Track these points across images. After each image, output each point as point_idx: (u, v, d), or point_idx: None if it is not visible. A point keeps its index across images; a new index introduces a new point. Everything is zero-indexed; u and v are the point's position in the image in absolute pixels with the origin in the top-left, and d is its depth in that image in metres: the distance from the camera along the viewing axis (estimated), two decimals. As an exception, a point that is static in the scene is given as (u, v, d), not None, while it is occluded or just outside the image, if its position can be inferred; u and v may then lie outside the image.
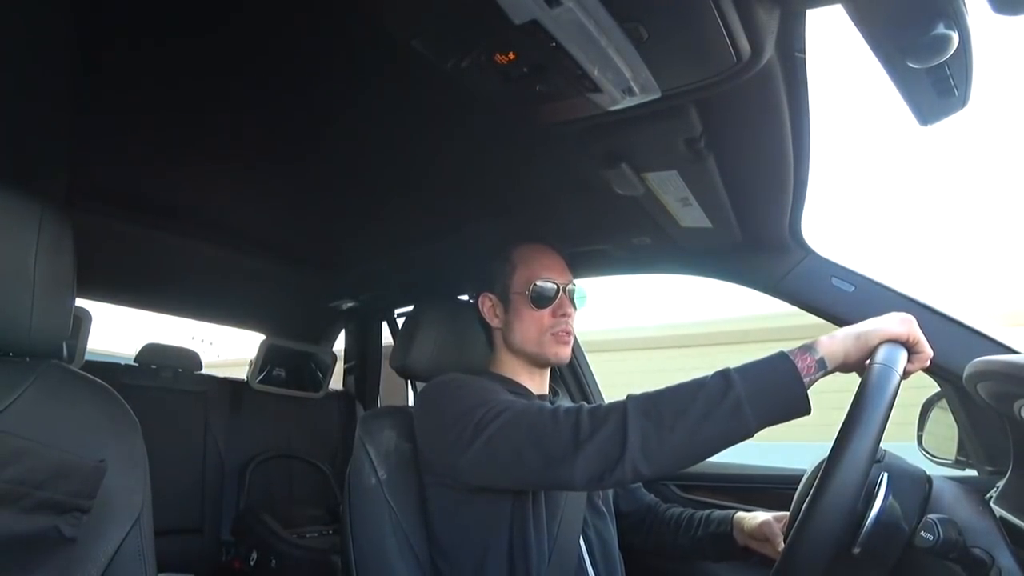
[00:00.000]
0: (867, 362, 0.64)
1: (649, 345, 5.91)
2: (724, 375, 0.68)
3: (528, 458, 0.73)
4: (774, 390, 0.66)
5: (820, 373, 0.67)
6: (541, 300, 0.96)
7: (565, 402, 1.08)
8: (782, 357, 0.68)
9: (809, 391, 0.66)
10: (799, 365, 0.66)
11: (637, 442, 0.67)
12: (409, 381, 2.03)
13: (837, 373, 0.69)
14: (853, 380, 0.69)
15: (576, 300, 1.00)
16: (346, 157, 1.01)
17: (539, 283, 0.96)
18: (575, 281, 1.02)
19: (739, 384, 0.66)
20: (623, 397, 0.73)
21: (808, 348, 0.68)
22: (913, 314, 0.68)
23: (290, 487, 2.01)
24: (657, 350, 5.84)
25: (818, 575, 0.56)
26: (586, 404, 0.75)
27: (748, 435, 0.66)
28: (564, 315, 0.97)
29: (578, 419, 0.72)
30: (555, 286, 0.97)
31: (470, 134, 0.90)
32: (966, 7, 0.48)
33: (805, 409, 0.66)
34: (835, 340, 0.67)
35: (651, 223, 1.04)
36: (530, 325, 0.97)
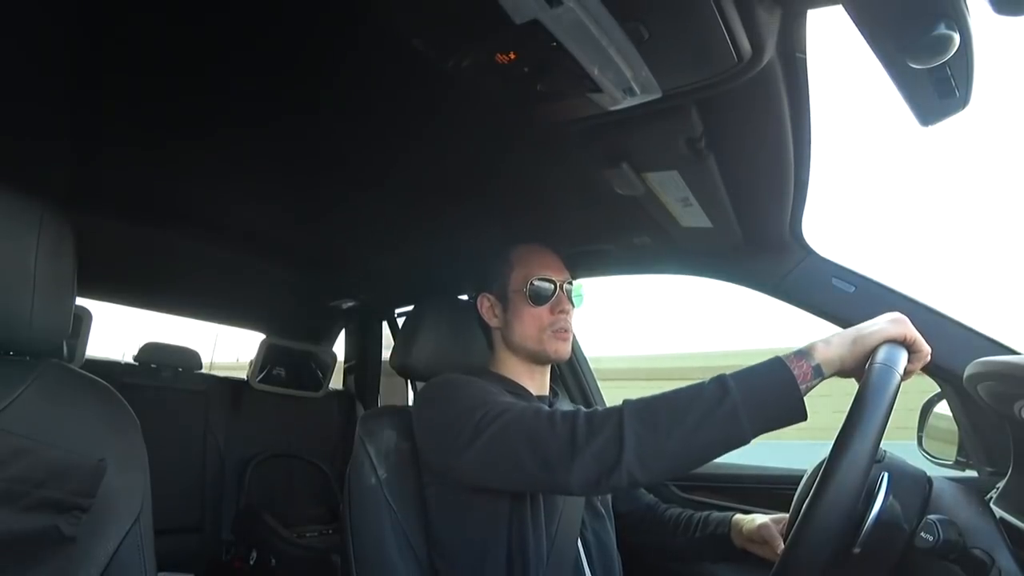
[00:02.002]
0: (867, 364, 0.64)
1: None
2: (720, 382, 0.68)
3: (525, 462, 0.73)
4: (771, 397, 0.66)
5: (817, 380, 0.66)
6: (539, 297, 0.97)
7: (564, 403, 1.08)
8: (779, 364, 0.67)
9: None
10: (796, 371, 0.66)
11: (633, 448, 0.67)
12: (409, 381, 2.03)
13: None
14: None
15: (574, 298, 1.01)
16: (346, 158, 1.01)
17: (536, 280, 0.97)
18: (575, 281, 1.02)
19: (735, 391, 0.66)
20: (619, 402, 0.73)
21: (805, 355, 0.67)
22: (914, 314, 0.68)
23: (290, 486, 2.01)
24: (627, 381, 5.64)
25: (818, 574, 0.56)
26: (583, 409, 0.75)
27: (744, 442, 0.66)
28: (562, 312, 0.97)
29: (575, 424, 0.72)
30: (553, 283, 0.98)
31: (470, 134, 0.90)
32: (967, 7, 0.48)
33: (801, 415, 0.65)
34: (831, 346, 0.67)
35: (651, 223, 1.04)
36: (529, 323, 0.97)
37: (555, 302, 0.97)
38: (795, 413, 0.65)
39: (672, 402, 0.69)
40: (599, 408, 0.74)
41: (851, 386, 0.64)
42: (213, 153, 1.04)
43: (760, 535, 0.91)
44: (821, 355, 0.67)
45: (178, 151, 1.03)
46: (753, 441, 0.66)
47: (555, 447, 0.71)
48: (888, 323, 0.66)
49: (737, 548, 0.96)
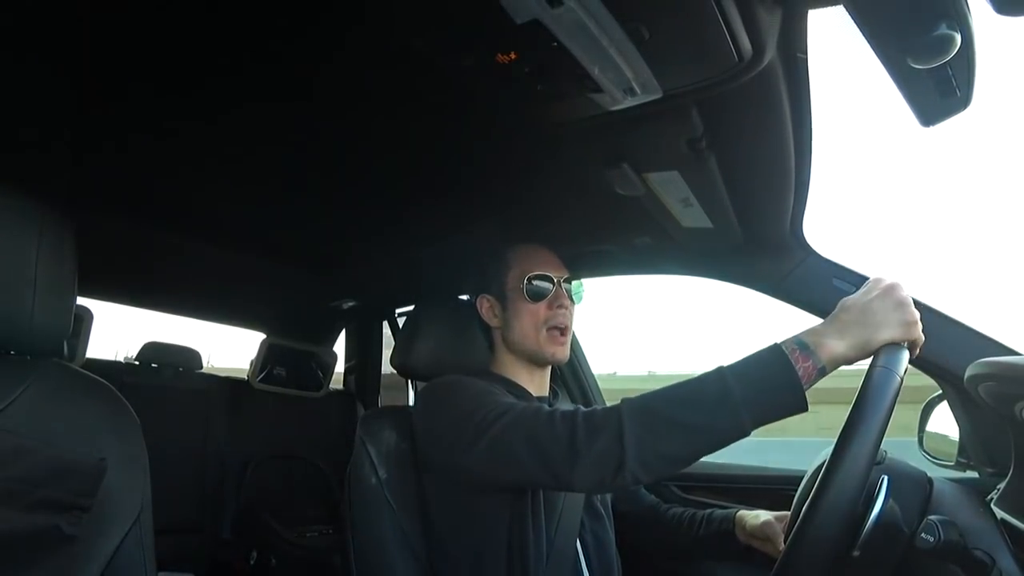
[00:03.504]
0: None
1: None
2: (720, 377, 0.67)
3: (526, 463, 0.73)
4: (772, 395, 0.65)
5: (819, 378, 0.65)
6: (537, 294, 0.97)
7: (565, 404, 1.08)
8: (781, 361, 0.65)
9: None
10: (798, 369, 0.64)
11: (634, 451, 0.67)
12: (409, 380, 2.03)
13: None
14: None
15: (574, 295, 1.01)
16: (347, 157, 1.01)
17: (534, 277, 0.97)
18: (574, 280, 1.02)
19: (736, 389, 0.65)
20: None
21: (810, 353, 0.64)
22: None
23: (290, 486, 2.01)
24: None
25: None
26: (582, 409, 0.74)
27: (744, 435, 0.66)
28: (561, 307, 0.97)
29: (574, 426, 0.71)
30: (550, 280, 0.98)
31: (471, 134, 0.89)
32: (968, 7, 0.48)
33: (802, 407, 0.64)
34: (837, 347, 0.65)
35: (652, 223, 1.04)
36: (527, 320, 0.97)
37: (553, 298, 0.97)
38: (796, 407, 0.64)
39: (670, 400, 0.69)
40: (597, 408, 0.74)
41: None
42: (213, 153, 1.04)
43: (764, 532, 0.91)
44: (827, 356, 0.64)
45: (178, 151, 1.03)
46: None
47: (555, 449, 0.71)
48: (900, 326, 0.64)
49: (741, 544, 0.96)
